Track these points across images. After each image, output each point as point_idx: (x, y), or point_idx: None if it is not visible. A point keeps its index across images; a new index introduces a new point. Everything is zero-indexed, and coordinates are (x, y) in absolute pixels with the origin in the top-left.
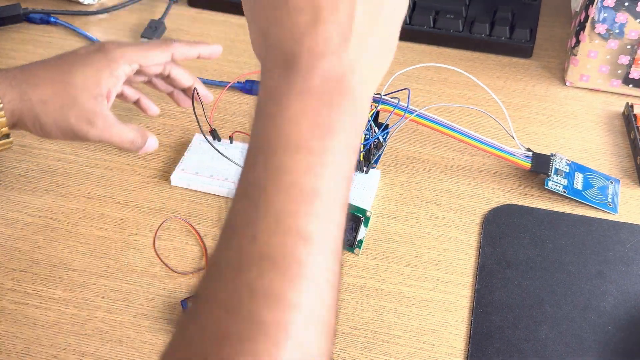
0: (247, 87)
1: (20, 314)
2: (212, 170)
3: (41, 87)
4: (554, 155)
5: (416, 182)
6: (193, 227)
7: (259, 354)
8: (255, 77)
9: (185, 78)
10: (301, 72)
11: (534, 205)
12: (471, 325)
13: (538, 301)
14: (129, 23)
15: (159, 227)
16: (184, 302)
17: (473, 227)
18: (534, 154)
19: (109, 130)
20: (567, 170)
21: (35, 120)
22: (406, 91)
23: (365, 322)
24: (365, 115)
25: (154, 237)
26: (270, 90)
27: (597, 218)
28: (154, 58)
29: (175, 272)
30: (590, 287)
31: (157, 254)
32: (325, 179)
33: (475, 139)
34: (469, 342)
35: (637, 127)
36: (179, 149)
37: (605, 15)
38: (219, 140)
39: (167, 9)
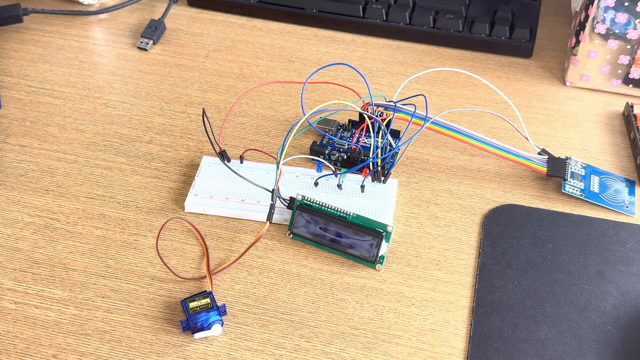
0: None
1: (20, 314)
2: (226, 192)
3: None
4: (569, 158)
5: (416, 182)
6: (194, 227)
7: None
8: (255, 78)
9: None
10: None
11: (534, 205)
12: (471, 325)
13: (538, 301)
14: (129, 23)
15: (161, 228)
16: (184, 302)
17: (473, 227)
18: (550, 157)
19: None
20: (583, 174)
21: None
22: (421, 97)
23: (365, 322)
24: None
25: (157, 239)
26: None
27: (598, 218)
28: None
29: (178, 276)
30: (590, 287)
31: (159, 255)
32: None
33: (491, 145)
34: (469, 342)
35: (637, 127)
36: (186, 168)
37: (605, 15)
38: (229, 161)
39: (167, 9)
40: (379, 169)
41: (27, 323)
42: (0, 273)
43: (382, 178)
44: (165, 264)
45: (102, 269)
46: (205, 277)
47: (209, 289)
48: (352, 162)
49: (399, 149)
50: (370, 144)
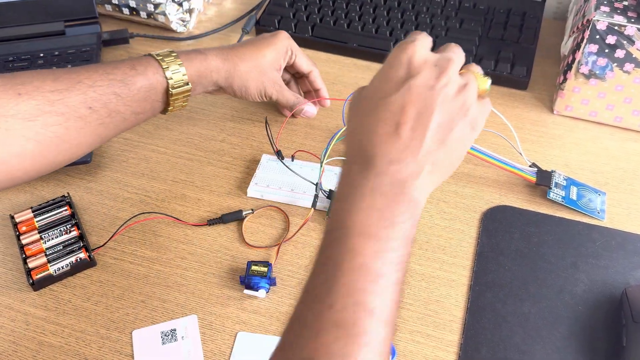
0: None
1: (118, 268)
2: (280, 183)
3: (246, 62)
4: (554, 171)
5: None
6: (285, 214)
7: None
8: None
9: (316, 83)
10: (375, 172)
11: (524, 207)
12: (469, 299)
13: (523, 283)
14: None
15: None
16: (249, 263)
17: (474, 222)
18: (538, 170)
19: (282, 92)
20: (565, 184)
21: (242, 85)
22: None
23: None
24: (420, 211)
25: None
26: (348, 181)
27: (574, 220)
28: (304, 61)
29: (248, 244)
30: (565, 274)
31: (243, 234)
32: (388, 262)
33: (492, 157)
34: (467, 312)
35: None
36: (249, 162)
37: (589, 59)
38: (283, 159)
39: (240, 37)
40: None
41: (122, 275)
42: (103, 235)
43: None
44: (242, 235)
45: (182, 236)
46: (267, 247)
47: (272, 261)
48: None
49: None
50: None
